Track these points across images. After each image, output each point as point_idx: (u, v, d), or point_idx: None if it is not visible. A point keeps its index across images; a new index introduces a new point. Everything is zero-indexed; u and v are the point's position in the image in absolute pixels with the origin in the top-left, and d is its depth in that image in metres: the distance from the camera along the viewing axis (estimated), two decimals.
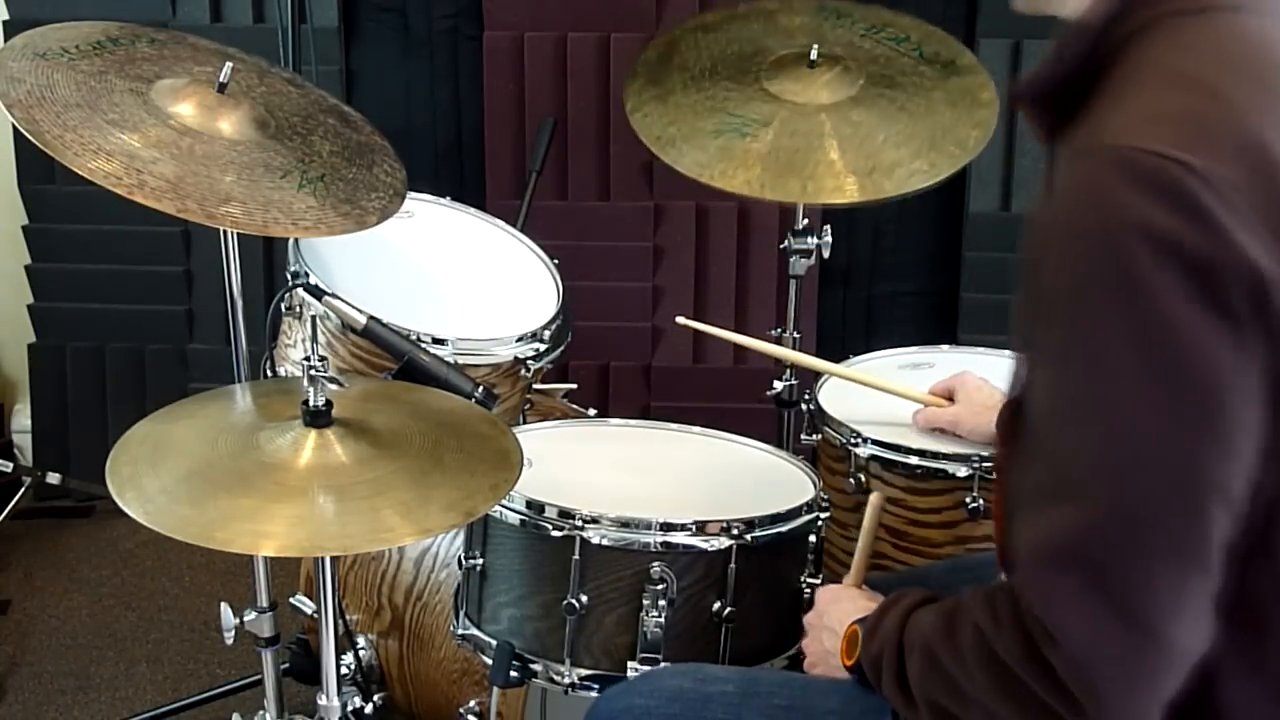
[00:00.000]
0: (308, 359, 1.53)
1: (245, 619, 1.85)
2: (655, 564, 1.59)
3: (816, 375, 2.11)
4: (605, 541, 1.60)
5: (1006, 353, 2.09)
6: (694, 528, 1.60)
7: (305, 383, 1.53)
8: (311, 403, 1.54)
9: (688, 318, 2.10)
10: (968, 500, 1.86)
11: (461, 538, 1.77)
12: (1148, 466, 1.02)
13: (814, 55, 2.12)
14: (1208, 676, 1.07)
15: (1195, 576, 1.03)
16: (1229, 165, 0.99)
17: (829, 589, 1.52)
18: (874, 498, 1.64)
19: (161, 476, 1.48)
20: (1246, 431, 1.01)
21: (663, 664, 1.59)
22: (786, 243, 2.23)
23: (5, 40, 2.75)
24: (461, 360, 1.96)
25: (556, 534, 1.61)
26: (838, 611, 1.42)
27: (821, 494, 1.75)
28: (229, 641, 1.85)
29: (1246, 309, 0.98)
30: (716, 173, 2.03)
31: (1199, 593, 1.03)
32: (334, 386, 1.55)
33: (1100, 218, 1.00)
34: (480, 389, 1.76)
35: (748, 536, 1.61)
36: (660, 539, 1.60)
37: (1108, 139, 1.03)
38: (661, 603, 1.59)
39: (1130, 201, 0.98)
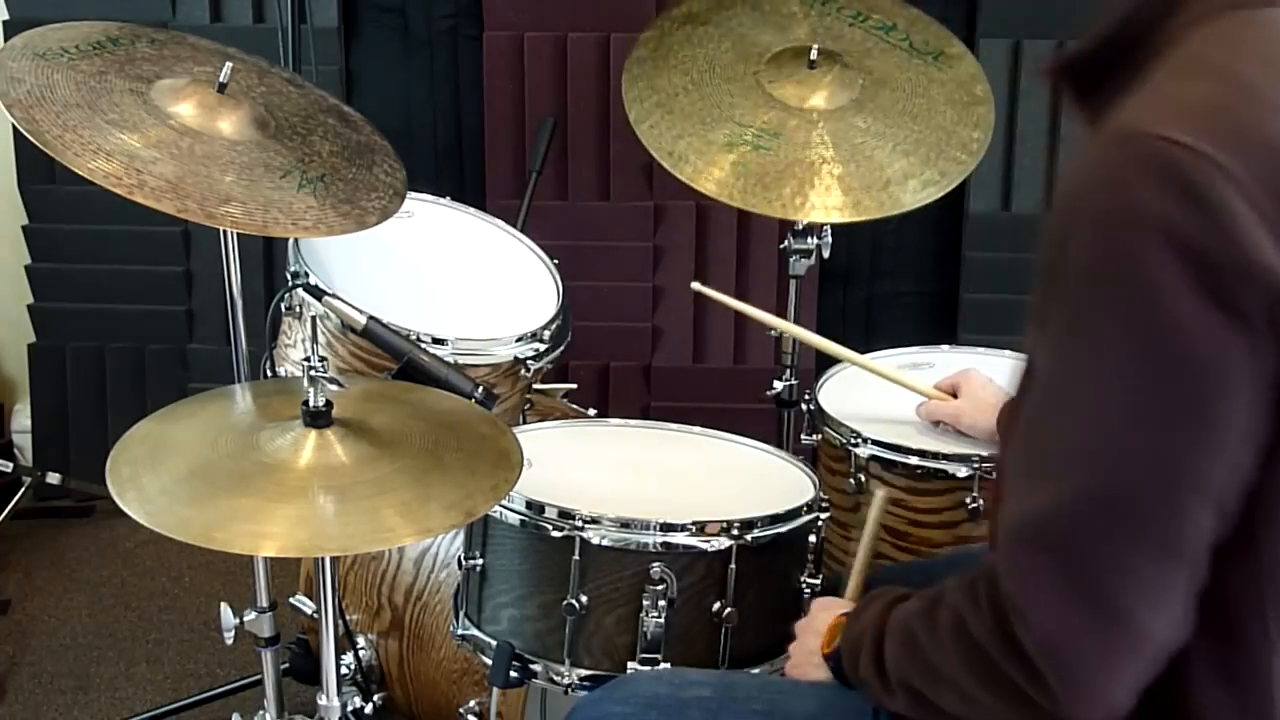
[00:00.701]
0: (308, 359, 1.53)
1: (245, 619, 1.85)
2: (655, 564, 1.59)
3: (817, 375, 2.11)
4: (605, 542, 1.60)
5: (1006, 353, 2.11)
6: (694, 528, 1.60)
7: (305, 383, 1.53)
8: (311, 403, 1.53)
9: (702, 284, 2.09)
10: (968, 500, 1.86)
11: (461, 538, 1.77)
12: (1128, 456, 1.01)
13: (814, 55, 2.12)
14: (1180, 678, 1.07)
15: (1174, 569, 1.02)
16: (1252, 162, 0.96)
17: (823, 599, 1.51)
18: (879, 495, 1.63)
19: (161, 477, 1.47)
20: (1239, 432, 1.00)
21: (662, 665, 1.59)
22: (786, 243, 2.23)
23: (5, 40, 2.75)
24: (461, 360, 1.96)
25: (556, 534, 1.61)
26: (825, 616, 1.41)
27: (821, 494, 1.75)
28: (229, 641, 1.86)
29: (1259, 313, 0.95)
30: (736, 191, 2.03)
31: (1177, 585, 1.02)
32: (334, 387, 1.55)
33: (1114, 206, 0.98)
34: (480, 389, 1.76)
35: (747, 537, 1.61)
36: (660, 539, 1.60)
37: (1131, 124, 1.00)
38: (661, 603, 1.59)
39: (1146, 192, 0.96)
